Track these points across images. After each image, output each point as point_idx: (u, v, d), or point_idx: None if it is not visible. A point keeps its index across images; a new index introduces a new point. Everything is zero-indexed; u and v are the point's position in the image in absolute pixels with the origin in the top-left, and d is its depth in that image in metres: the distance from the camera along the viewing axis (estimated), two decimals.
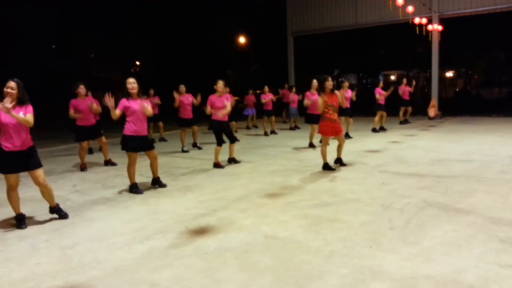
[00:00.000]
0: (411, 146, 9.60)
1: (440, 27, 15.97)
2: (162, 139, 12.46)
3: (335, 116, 7.15)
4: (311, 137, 10.02)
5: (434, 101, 16.41)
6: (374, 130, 12.61)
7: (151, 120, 11.95)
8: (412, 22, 13.88)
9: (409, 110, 14.79)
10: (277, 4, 24.45)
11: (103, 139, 8.48)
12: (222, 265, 3.42)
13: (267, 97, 13.17)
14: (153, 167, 6.33)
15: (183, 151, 10.09)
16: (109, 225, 4.61)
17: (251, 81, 31.17)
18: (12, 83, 4.58)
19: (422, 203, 4.95)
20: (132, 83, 5.95)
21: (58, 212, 4.99)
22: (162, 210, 5.13)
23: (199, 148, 10.49)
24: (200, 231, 4.28)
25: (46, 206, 5.08)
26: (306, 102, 9.34)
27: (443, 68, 39.73)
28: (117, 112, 5.83)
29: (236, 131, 12.25)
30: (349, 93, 10.85)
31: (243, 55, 45.06)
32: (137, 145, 6.05)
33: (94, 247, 3.96)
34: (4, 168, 4.61)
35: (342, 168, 7.33)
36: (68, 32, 37.92)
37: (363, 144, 10.23)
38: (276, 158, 8.65)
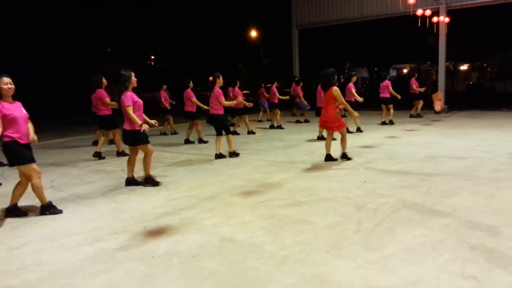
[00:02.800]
0: (407, 141, 9.24)
1: (447, 19, 15.37)
2: (174, 132, 12.39)
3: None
4: (321, 131, 9.91)
5: (440, 95, 15.87)
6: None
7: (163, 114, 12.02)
8: (414, 14, 13.33)
9: (421, 103, 14.37)
10: None
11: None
12: (164, 271, 3.20)
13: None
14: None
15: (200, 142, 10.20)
16: (67, 224, 4.43)
17: (261, 75, 30.91)
18: (9, 79, 4.51)
19: (399, 203, 4.65)
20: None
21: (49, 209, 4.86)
22: (128, 208, 4.94)
23: (205, 142, 10.30)
24: (157, 232, 4.07)
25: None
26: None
27: (457, 61, 38.74)
28: None
29: (232, 124, 12.00)
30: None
31: (254, 49, 44.83)
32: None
33: (42, 248, 3.79)
34: (27, 158, 4.60)
35: (328, 164, 7.06)
36: (85, 28, 38.21)
37: (359, 139, 9.90)
38: (266, 153, 8.40)
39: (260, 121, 15.17)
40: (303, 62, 20.85)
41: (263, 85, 14.22)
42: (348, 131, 10.89)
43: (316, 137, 10.12)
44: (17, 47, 30.66)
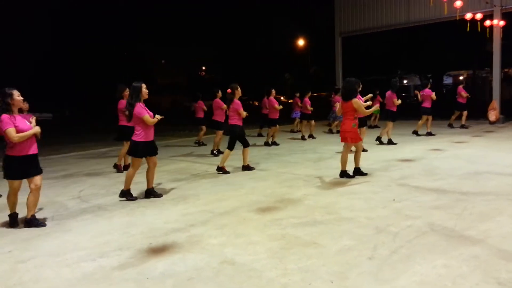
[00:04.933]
0: (452, 155, 8.55)
1: (502, 22, 14.26)
2: (202, 143, 12.32)
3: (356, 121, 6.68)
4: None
5: (495, 104, 14.73)
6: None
7: (198, 123, 12.03)
8: (463, 18, 12.44)
9: (465, 114, 13.41)
10: (329, 5, 23.68)
11: None
12: None
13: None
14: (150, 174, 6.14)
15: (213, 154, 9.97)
16: (77, 238, 4.43)
17: (308, 83, 30.57)
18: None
19: (426, 227, 4.20)
20: None
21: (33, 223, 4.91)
22: (141, 222, 4.88)
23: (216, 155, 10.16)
24: (160, 250, 3.94)
25: (38, 212, 5.02)
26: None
27: None
28: None
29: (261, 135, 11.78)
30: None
31: (302, 57, 44.65)
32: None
33: (46, 262, 3.78)
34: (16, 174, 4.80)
35: (361, 179, 6.64)
36: (137, 41, 40.16)
37: (399, 151, 9.34)
38: (294, 166, 8.10)
39: (294, 131, 14.87)
40: (349, 71, 20.28)
41: (297, 94, 13.93)
42: (381, 142, 10.39)
43: None
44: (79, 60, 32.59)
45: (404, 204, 5.07)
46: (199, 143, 12.24)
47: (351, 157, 6.87)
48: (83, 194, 6.58)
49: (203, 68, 55.65)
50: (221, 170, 7.61)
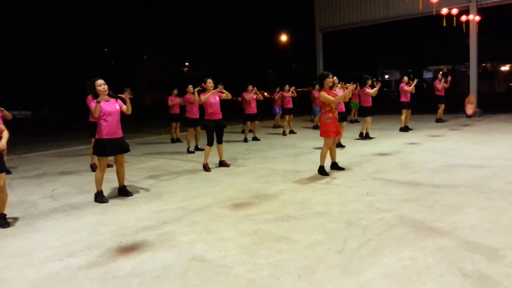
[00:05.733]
0: (428, 148, 8.67)
1: (477, 18, 14.49)
2: (177, 140, 12.16)
3: (336, 114, 6.63)
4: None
5: (472, 97, 14.98)
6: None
7: (175, 120, 11.81)
8: (440, 13, 12.58)
9: (442, 107, 13.63)
10: (310, 0, 23.72)
11: None
12: None
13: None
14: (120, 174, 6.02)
15: (188, 151, 9.85)
16: (46, 237, 4.33)
17: (290, 80, 30.63)
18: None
19: (396, 219, 4.24)
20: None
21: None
22: (112, 221, 4.80)
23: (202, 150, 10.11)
24: (129, 249, 3.88)
25: (7, 212, 4.89)
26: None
27: (498, 61, 36.75)
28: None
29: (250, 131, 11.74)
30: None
31: (284, 54, 44.67)
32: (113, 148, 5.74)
33: (10, 263, 3.68)
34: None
35: (337, 173, 6.66)
36: (118, 38, 39.56)
37: (376, 145, 9.42)
38: (273, 162, 8.10)
39: (276, 126, 14.90)
40: (331, 66, 20.35)
41: (278, 89, 13.94)
42: (365, 137, 10.45)
43: None
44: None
45: (376, 197, 5.11)
46: (174, 140, 12.13)
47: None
48: (56, 193, 6.44)
49: (186, 64, 55.18)
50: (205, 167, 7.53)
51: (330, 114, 6.52)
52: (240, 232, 4.15)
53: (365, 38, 29.80)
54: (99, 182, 5.76)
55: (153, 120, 19.53)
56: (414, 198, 4.96)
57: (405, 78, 11.87)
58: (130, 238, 4.16)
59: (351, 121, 14.58)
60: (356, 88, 11.81)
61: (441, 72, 15.62)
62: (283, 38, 41.31)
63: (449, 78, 13.74)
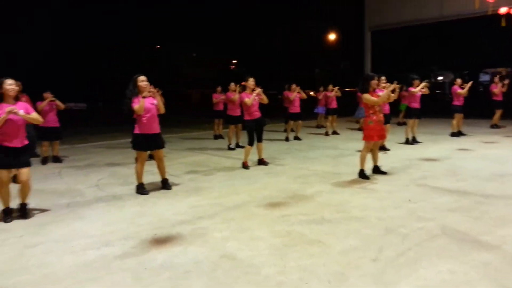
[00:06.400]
0: (479, 155, 8.18)
1: None
2: (220, 136, 12.29)
3: (382, 117, 6.39)
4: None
5: None
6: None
7: (218, 117, 11.97)
8: (497, 13, 11.78)
9: (498, 113, 12.81)
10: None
11: None
12: (147, 287, 3.05)
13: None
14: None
15: (229, 148, 9.94)
16: (87, 226, 4.51)
17: (338, 79, 30.15)
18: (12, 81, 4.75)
19: (438, 229, 4.01)
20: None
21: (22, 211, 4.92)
22: (151, 213, 4.92)
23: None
24: (163, 241, 3.95)
25: (55, 199, 5.16)
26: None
27: None
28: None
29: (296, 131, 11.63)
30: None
31: (332, 53, 44.04)
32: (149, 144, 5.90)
33: (52, 248, 3.87)
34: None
35: (379, 177, 6.44)
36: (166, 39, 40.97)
37: (424, 150, 9.02)
38: (313, 162, 7.97)
39: (319, 127, 14.67)
40: (379, 66, 19.79)
41: (322, 89, 13.70)
42: (412, 142, 10.00)
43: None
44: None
45: (419, 205, 4.87)
46: (217, 136, 12.25)
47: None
48: (101, 183, 6.71)
49: (233, 61, 55.79)
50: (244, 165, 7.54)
51: (375, 117, 6.31)
52: (273, 232, 4.10)
53: (416, 38, 28.67)
54: (139, 174, 5.93)
55: (199, 116, 19.94)
56: (460, 208, 4.69)
57: (458, 80, 11.25)
58: (165, 231, 4.23)
59: (399, 124, 14.07)
60: (402, 88, 11.36)
61: (498, 75, 14.67)
62: (331, 37, 40.69)
63: (506, 82, 12.87)
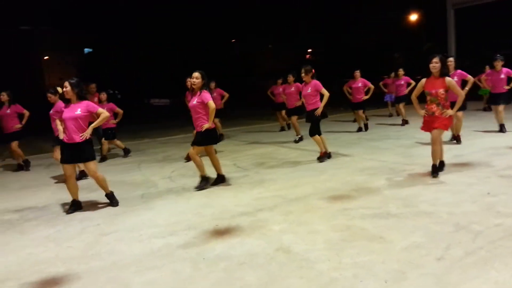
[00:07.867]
0: None
1: None
2: (283, 128, 12.31)
3: (433, 108, 5.60)
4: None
5: None
6: None
7: (278, 109, 12.05)
8: None
9: None
10: None
11: None
12: (203, 277, 3.16)
13: None
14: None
15: (298, 139, 9.86)
16: (156, 216, 4.79)
17: (420, 63, 28.26)
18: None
19: None
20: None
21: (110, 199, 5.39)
22: (215, 204, 5.08)
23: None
24: (222, 232, 4.06)
25: (132, 190, 5.58)
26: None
27: None
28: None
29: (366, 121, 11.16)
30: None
31: (413, 35, 41.36)
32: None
33: (123, 237, 4.18)
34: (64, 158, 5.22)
35: (456, 168, 5.92)
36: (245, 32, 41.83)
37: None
38: (383, 153, 7.61)
39: (391, 115, 13.88)
40: (465, 46, 18.14)
41: (392, 75, 12.92)
42: (500, 130, 9.01)
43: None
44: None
45: (499, 198, 4.43)
46: (283, 128, 12.21)
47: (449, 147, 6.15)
48: (174, 175, 7.07)
49: (309, 50, 54.97)
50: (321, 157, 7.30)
51: (426, 106, 5.67)
52: (332, 226, 4.01)
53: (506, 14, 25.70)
54: (199, 166, 6.01)
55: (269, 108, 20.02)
56: None
57: None
58: (225, 222, 4.35)
59: (484, 109, 12.84)
60: (485, 72, 10.29)
61: None
62: (413, 17, 38.16)
63: None
